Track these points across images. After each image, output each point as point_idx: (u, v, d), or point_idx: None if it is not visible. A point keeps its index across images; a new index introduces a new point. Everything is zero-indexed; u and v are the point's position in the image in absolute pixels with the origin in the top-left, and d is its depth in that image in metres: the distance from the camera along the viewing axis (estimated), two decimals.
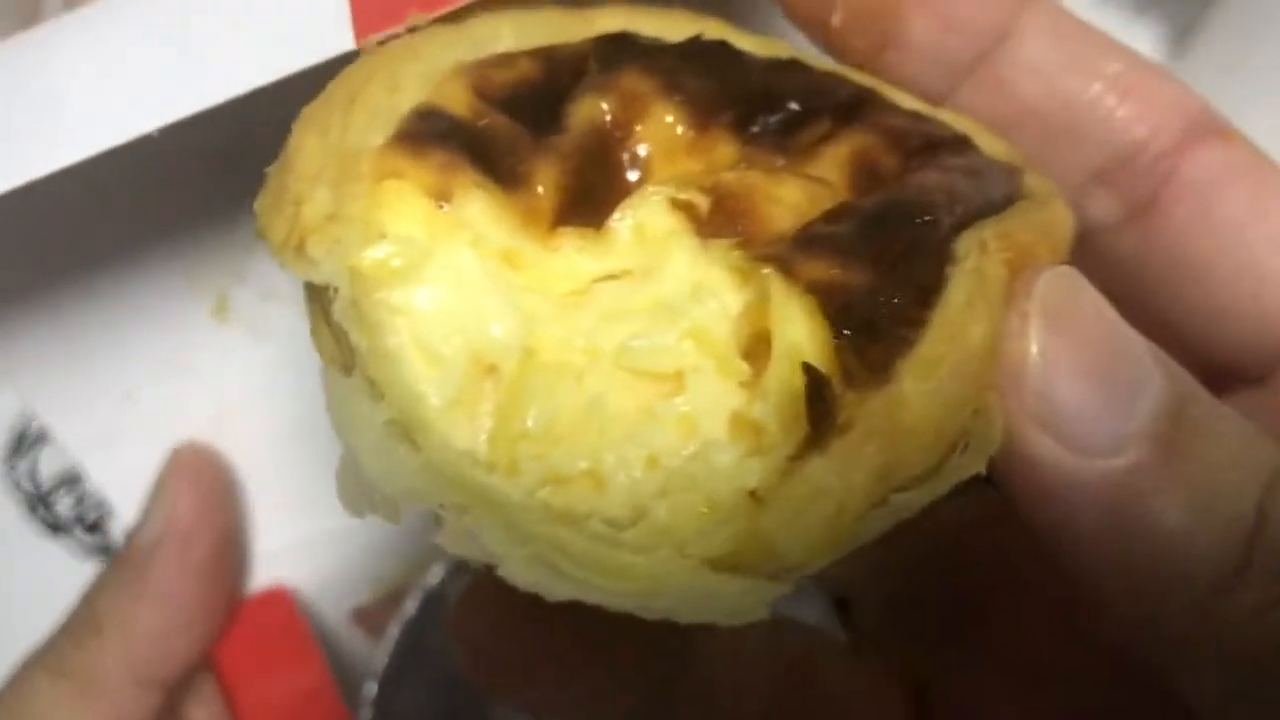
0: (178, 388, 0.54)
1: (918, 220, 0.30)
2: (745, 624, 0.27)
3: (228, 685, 0.53)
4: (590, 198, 0.31)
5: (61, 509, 0.67)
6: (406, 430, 0.27)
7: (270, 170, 0.31)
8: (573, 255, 0.30)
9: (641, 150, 0.32)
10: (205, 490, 0.52)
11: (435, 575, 0.58)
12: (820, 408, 0.27)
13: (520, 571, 0.27)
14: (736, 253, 0.30)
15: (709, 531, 0.27)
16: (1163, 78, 0.37)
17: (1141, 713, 0.37)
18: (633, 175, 0.32)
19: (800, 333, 0.28)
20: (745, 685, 0.40)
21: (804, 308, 0.28)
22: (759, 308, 0.29)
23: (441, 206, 0.29)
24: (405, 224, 0.28)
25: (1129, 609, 0.30)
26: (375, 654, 0.56)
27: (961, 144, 0.34)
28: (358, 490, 0.29)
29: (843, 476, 0.27)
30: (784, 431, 0.27)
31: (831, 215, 0.30)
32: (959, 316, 0.29)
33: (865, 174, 0.32)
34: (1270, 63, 0.58)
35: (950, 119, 0.35)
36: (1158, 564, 0.28)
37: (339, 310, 0.28)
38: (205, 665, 0.54)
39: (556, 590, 0.27)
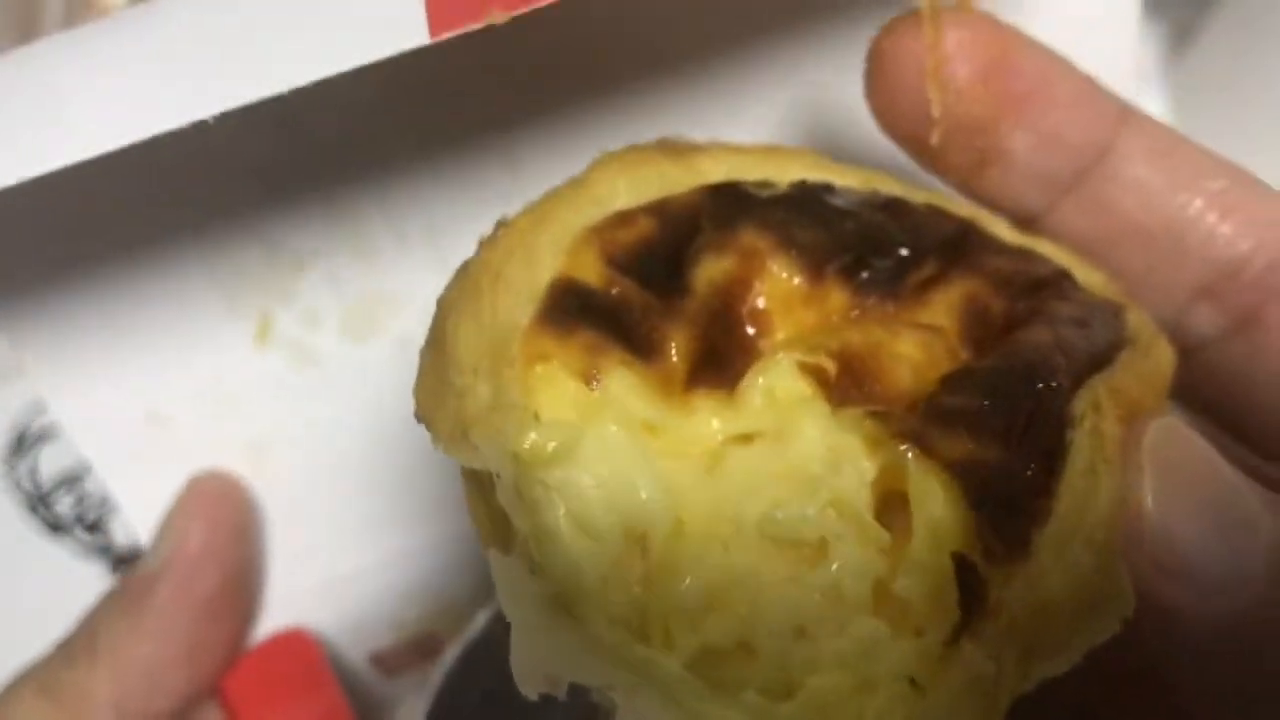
0: (212, 412, 0.52)
1: (1041, 386, 0.31)
2: None
3: None
4: (717, 356, 0.32)
5: (61, 509, 0.66)
6: (566, 605, 0.28)
7: (423, 352, 0.33)
8: (708, 417, 0.31)
9: (760, 304, 0.33)
10: (220, 522, 0.50)
11: (478, 625, 0.55)
12: (970, 592, 0.28)
13: None
14: (869, 422, 0.30)
15: (870, 715, 0.28)
16: (1265, 194, 0.37)
17: None
18: (752, 329, 0.33)
19: (941, 511, 0.29)
20: None
21: (943, 485, 0.29)
22: (892, 472, 0.30)
23: (591, 387, 0.30)
24: (558, 407, 0.30)
25: None
26: (414, 705, 0.54)
27: (1063, 282, 0.34)
28: (531, 668, 0.30)
29: (996, 660, 0.27)
30: (932, 613, 0.28)
31: (955, 381, 0.31)
32: (1083, 482, 0.29)
33: (975, 319, 0.33)
34: (1271, 63, 0.58)
35: (1050, 251, 0.36)
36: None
37: (502, 494, 0.29)
38: (215, 703, 0.51)
39: None
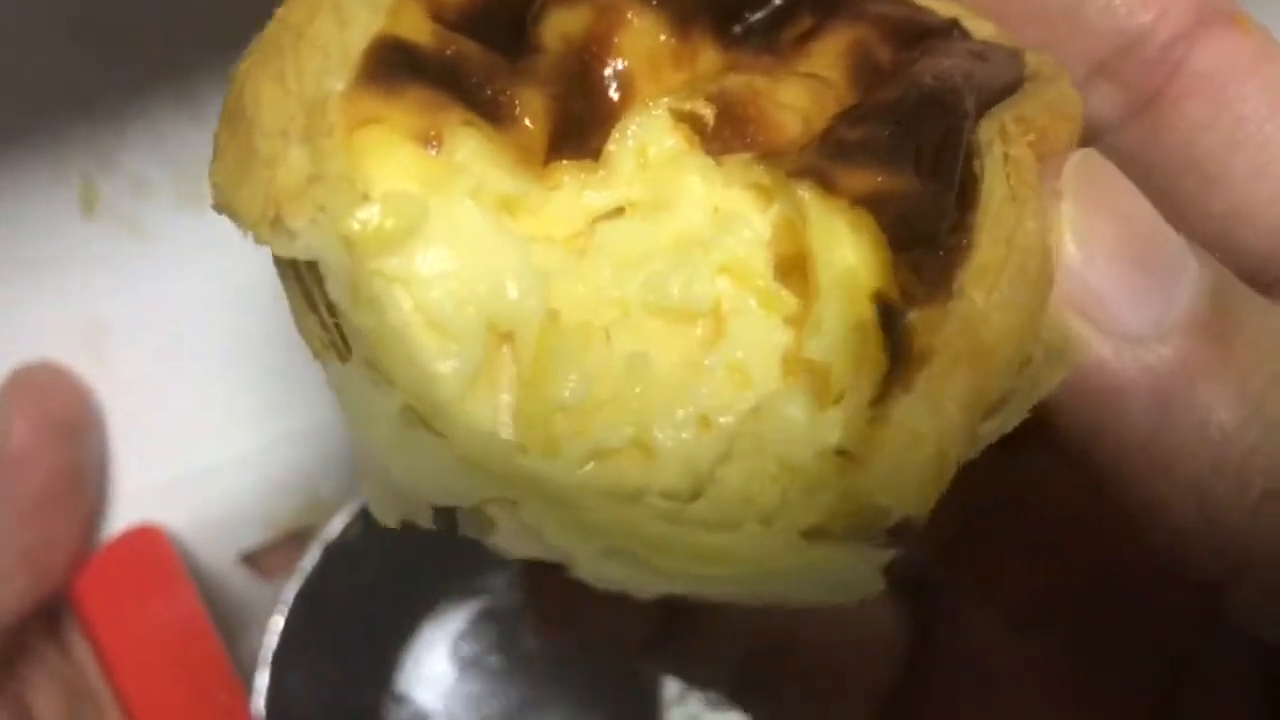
0: (39, 294, 0.48)
1: (947, 108, 0.27)
2: (861, 599, 0.25)
3: (90, 624, 0.48)
4: (577, 125, 0.28)
5: None
6: (424, 418, 0.24)
7: (218, 132, 0.26)
8: (575, 192, 0.27)
9: (622, 65, 0.29)
10: (46, 418, 0.46)
11: (335, 527, 0.53)
12: (896, 339, 0.24)
13: (599, 569, 0.24)
14: (759, 167, 0.27)
15: (798, 500, 0.24)
16: None
17: (1136, 654, 0.36)
18: (616, 95, 0.28)
19: (852, 255, 0.25)
20: (742, 614, 0.38)
21: (852, 225, 0.25)
22: (791, 229, 0.26)
23: (431, 151, 0.25)
24: (393, 178, 0.25)
25: (1176, 513, 0.28)
26: (269, 624, 0.52)
27: (953, 29, 0.31)
28: (387, 493, 0.26)
29: (937, 413, 0.24)
30: (854, 373, 0.25)
31: (852, 116, 0.28)
32: (1006, 212, 0.26)
33: (863, 67, 0.30)
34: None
35: (935, 4, 0.32)
36: (1211, 462, 0.27)
37: (334, 289, 0.24)
38: (64, 604, 0.48)
39: (646, 586, 0.24)
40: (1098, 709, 0.37)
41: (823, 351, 0.25)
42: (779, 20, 0.30)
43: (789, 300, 0.26)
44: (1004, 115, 0.28)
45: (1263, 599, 0.28)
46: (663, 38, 0.29)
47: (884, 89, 0.29)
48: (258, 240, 0.25)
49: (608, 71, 0.28)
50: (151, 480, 0.51)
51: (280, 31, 0.26)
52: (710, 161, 0.27)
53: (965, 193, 0.26)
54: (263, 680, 0.51)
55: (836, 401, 0.25)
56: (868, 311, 0.25)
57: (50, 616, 0.48)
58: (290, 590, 0.52)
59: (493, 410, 0.25)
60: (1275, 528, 0.27)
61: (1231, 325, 0.27)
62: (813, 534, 0.24)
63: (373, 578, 0.54)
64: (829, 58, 0.30)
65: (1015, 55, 0.31)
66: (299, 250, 0.24)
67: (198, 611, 0.49)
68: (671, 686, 0.57)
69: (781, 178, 0.26)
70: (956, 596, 0.40)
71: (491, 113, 0.26)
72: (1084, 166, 0.28)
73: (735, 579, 0.24)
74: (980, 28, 0.32)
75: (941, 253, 0.25)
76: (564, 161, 0.27)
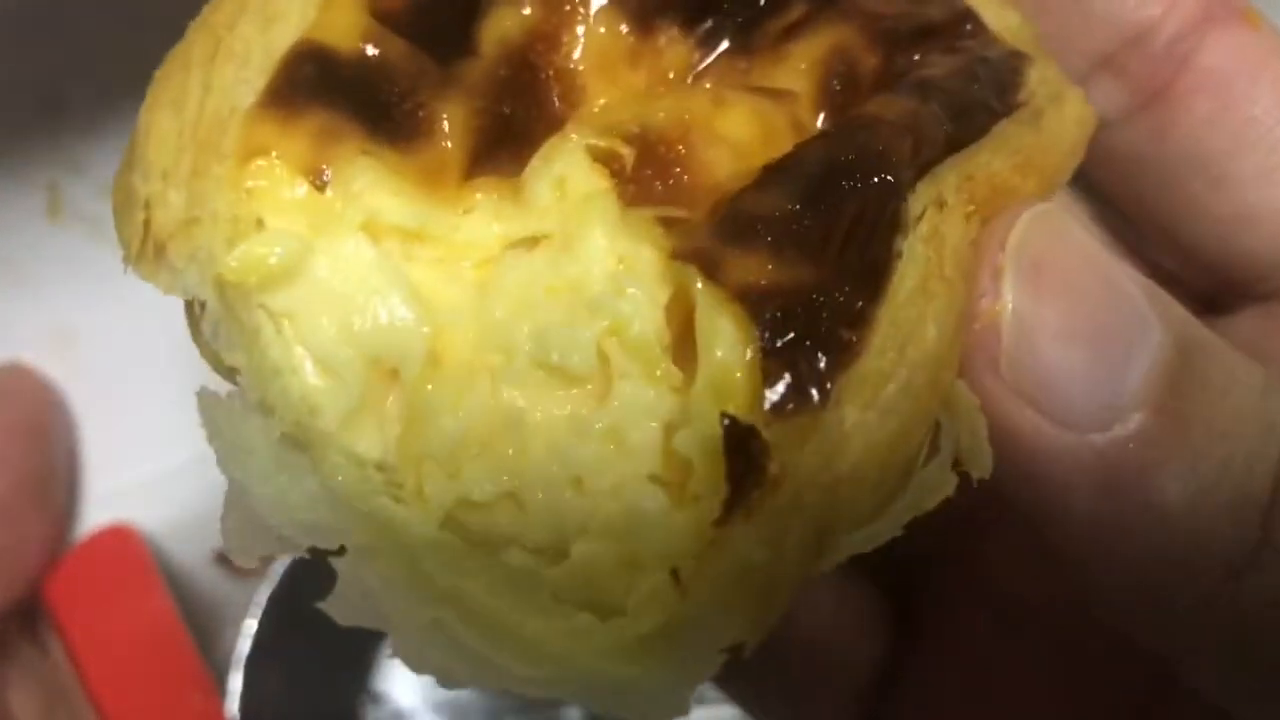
0: (7, 297, 0.48)
1: (872, 181, 0.25)
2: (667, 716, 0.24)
3: (63, 624, 0.48)
4: (512, 133, 0.26)
5: None
6: (303, 447, 0.24)
7: (122, 161, 0.26)
8: (488, 218, 0.26)
9: (572, 64, 0.27)
10: (15, 421, 0.46)
11: None
12: (746, 464, 0.23)
13: (416, 649, 0.24)
14: (658, 231, 0.25)
15: (632, 611, 0.23)
16: None
17: (1127, 649, 0.33)
18: (560, 100, 0.27)
19: (728, 353, 0.23)
20: None
21: (732, 319, 0.24)
22: (689, 294, 0.24)
23: (320, 186, 0.24)
24: (280, 213, 0.24)
25: (1126, 599, 0.27)
26: (242, 627, 0.52)
27: (961, 26, 0.29)
28: (248, 530, 0.25)
29: (773, 546, 0.23)
30: (710, 478, 0.23)
31: (771, 175, 0.25)
32: (908, 311, 0.24)
33: (840, 78, 0.28)
34: None
35: None
36: (1160, 549, 0.25)
37: (207, 326, 0.25)
38: (40, 603, 0.48)
39: (455, 673, 0.24)
40: (1087, 703, 0.36)
41: (688, 446, 0.24)
42: (763, 13, 0.28)
43: (675, 375, 0.25)
44: (950, 175, 0.26)
45: (1221, 684, 0.27)
46: (623, 31, 0.27)
47: (828, 130, 0.27)
48: (140, 276, 0.25)
49: (552, 72, 0.27)
50: (123, 480, 0.51)
51: (198, 36, 0.26)
52: (617, 212, 0.25)
53: (876, 276, 0.24)
54: (236, 682, 0.50)
55: (694, 503, 0.24)
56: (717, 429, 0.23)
57: (27, 616, 0.48)
58: (263, 592, 0.52)
59: (377, 441, 0.24)
60: (1226, 616, 0.26)
61: (1191, 398, 0.25)
62: (643, 641, 0.23)
63: None
64: (805, 65, 0.28)
65: (1016, 70, 0.29)
66: (179, 289, 0.25)
67: (170, 611, 0.49)
68: None
69: (673, 257, 0.25)
70: (945, 590, 0.39)
71: (405, 130, 0.25)
72: (1031, 233, 0.26)
73: (545, 680, 0.24)
74: (1003, 18, 0.29)
75: (824, 356, 0.23)
76: (481, 181, 0.26)
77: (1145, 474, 0.25)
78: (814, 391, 0.23)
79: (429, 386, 0.24)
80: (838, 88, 0.28)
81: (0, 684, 0.46)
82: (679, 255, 0.24)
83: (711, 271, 0.24)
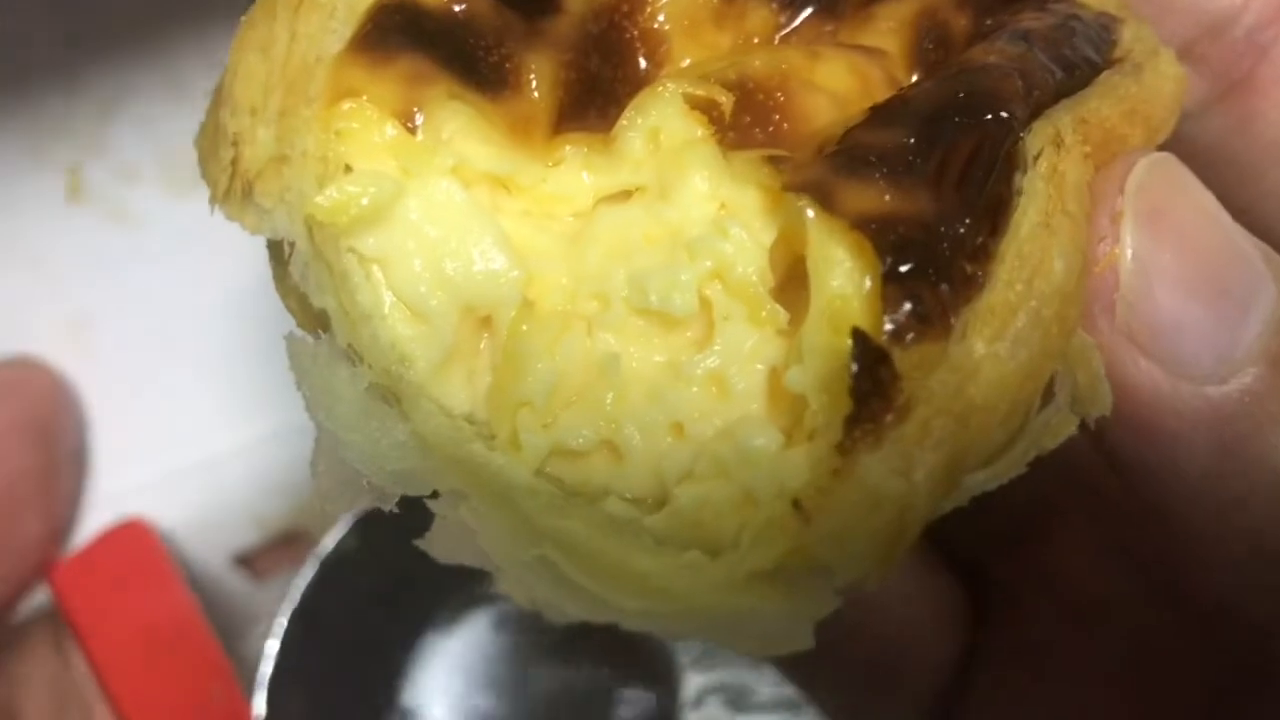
0: (23, 282, 0.47)
1: (986, 117, 0.24)
2: (785, 654, 0.23)
3: (75, 619, 0.46)
4: (598, 91, 0.26)
5: None
6: (392, 396, 0.24)
7: (210, 102, 0.26)
8: (577, 170, 0.25)
9: (657, 24, 0.27)
10: (20, 417, 0.45)
11: (329, 541, 0.51)
12: (873, 387, 0.22)
13: (522, 584, 0.24)
14: (766, 170, 0.24)
15: (750, 540, 0.23)
16: None
17: (1196, 650, 0.33)
18: (645, 59, 0.27)
19: (845, 282, 0.23)
20: None
21: (849, 249, 0.23)
22: (797, 233, 0.24)
23: (411, 128, 0.24)
24: (371, 155, 0.24)
25: (1237, 565, 0.26)
26: (268, 643, 0.50)
27: None
28: (338, 477, 0.25)
29: (904, 476, 0.22)
30: (829, 410, 0.23)
31: (880, 114, 0.25)
32: (1033, 245, 0.24)
33: (931, 39, 0.27)
34: None
35: None
36: (1272, 509, 0.25)
37: (296, 268, 0.24)
38: (50, 601, 0.47)
39: (564, 608, 0.23)
40: (1154, 703, 0.35)
41: (801, 383, 0.23)
42: None
43: (781, 315, 0.24)
44: (1065, 117, 0.25)
45: None
46: None
47: (931, 77, 0.26)
48: (227, 216, 0.24)
49: (637, 33, 0.26)
50: (138, 476, 0.50)
51: None
52: (718, 156, 0.25)
53: (996, 212, 0.24)
54: (260, 704, 0.49)
55: (810, 439, 0.23)
56: (846, 345, 0.22)
57: (40, 614, 0.47)
58: (284, 611, 0.50)
59: (466, 393, 0.24)
60: None
61: None
62: (757, 577, 0.23)
63: (370, 591, 0.52)
64: (894, 25, 0.27)
65: (1108, 28, 0.28)
66: (267, 229, 0.24)
67: (188, 606, 0.47)
68: (689, 690, 0.56)
69: (784, 190, 0.24)
70: (1016, 585, 0.38)
71: (492, 82, 0.25)
72: (1150, 180, 0.25)
73: (658, 615, 0.23)
74: None
75: (947, 286, 0.23)
76: (571, 134, 0.25)
77: (1261, 430, 0.24)
78: (938, 320, 0.22)
79: (524, 330, 0.24)
80: (930, 47, 0.27)
81: (10, 683, 0.45)
82: (791, 188, 0.23)
83: (826, 202, 0.23)
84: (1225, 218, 0.25)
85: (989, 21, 0.27)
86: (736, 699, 0.55)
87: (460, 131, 0.24)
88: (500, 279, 0.24)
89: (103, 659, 0.45)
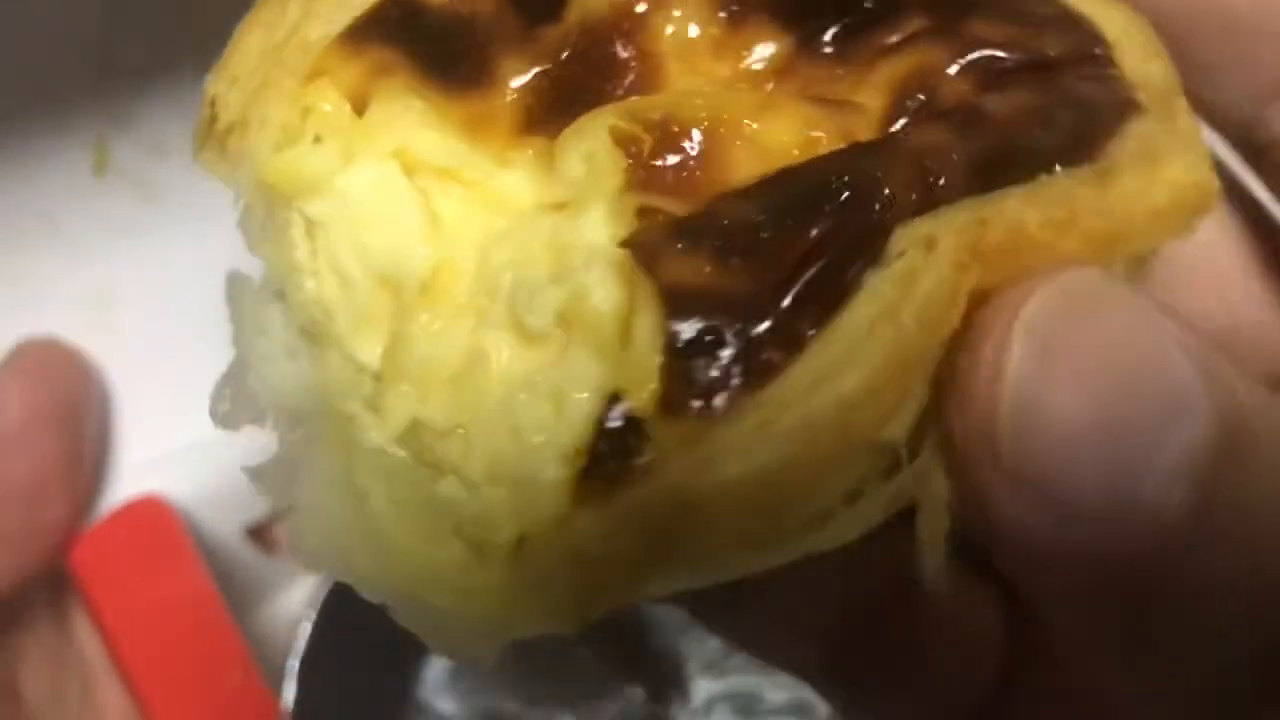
0: (47, 255, 0.46)
1: (847, 204, 0.23)
2: (468, 660, 0.25)
3: (92, 596, 0.46)
4: (582, 101, 0.27)
5: None
6: (314, 340, 0.26)
7: None
8: (524, 174, 0.27)
9: (655, 46, 0.27)
10: (41, 400, 0.44)
11: None
12: (616, 447, 0.23)
13: (301, 527, 0.26)
14: (631, 218, 0.25)
15: (485, 561, 0.24)
16: None
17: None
18: (636, 78, 0.28)
19: (644, 342, 0.23)
20: (841, 593, 0.35)
21: (653, 312, 0.23)
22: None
23: (360, 110, 0.27)
24: (328, 132, 0.27)
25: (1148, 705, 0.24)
26: (300, 625, 0.51)
27: (1079, 66, 0.26)
28: (238, 400, 0.27)
29: (607, 541, 0.23)
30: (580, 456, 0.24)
31: (762, 183, 0.25)
32: (850, 343, 0.22)
33: (916, 100, 0.26)
34: None
35: (1115, 17, 0.27)
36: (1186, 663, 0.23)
37: (238, 217, 0.27)
38: (63, 577, 0.47)
39: (318, 558, 0.25)
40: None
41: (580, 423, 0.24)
42: (868, 24, 0.27)
43: (617, 351, 0.24)
44: (961, 215, 0.23)
45: None
46: (718, 17, 0.27)
47: (828, 154, 0.25)
48: (203, 167, 0.27)
49: (632, 52, 0.27)
50: (156, 450, 0.49)
51: None
52: (616, 193, 0.25)
53: (824, 306, 0.23)
54: (290, 692, 0.49)
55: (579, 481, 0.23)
56: (594, 406, 0.23)
57: (49, 590, 0.47)
58: (318, 595, 0.50)
59: (375, 357, 0.26)
60: None
61: (1239, 473, 0.21)
62: (480, 591, 0.24)
63: None
64: (884, 79, 0.26)
65: (1113, 123, 0.26)
66: (228, 182, 0.27)
67: (204, 583, 0.47)
68: (698, 697, 0.56)
69: (627, 243, 0.24)
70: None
71: (463, 80, 0.27)
72: (1050, 306, 0.22)
73: (386, 588, 0.25)
74: (1143, 68, 0.27)
75: (737, 369, 0.22)
76: (531, 140, 0.27)
77: (1171, 585, 0.22)
78: (712, 401, 0.22)
79: (421, 312, 0.25)
80: (915, 109, 0.26)
81: (13, 660, 0.45)
82: (630, 243, 0.24)
83: (650, 264, 0.23)
84: (1151, 336, 0.22)
85: (989, 96, 0.26)
86: (746, 706, 0.55)
87: (401, 116, 0.26)
88: (409, 259, 0.26)
89: (117, 633, 0.46)
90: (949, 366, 0.23)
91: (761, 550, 0.24)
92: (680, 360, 0.22)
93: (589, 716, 0.56)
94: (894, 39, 0.27)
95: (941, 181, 0.24)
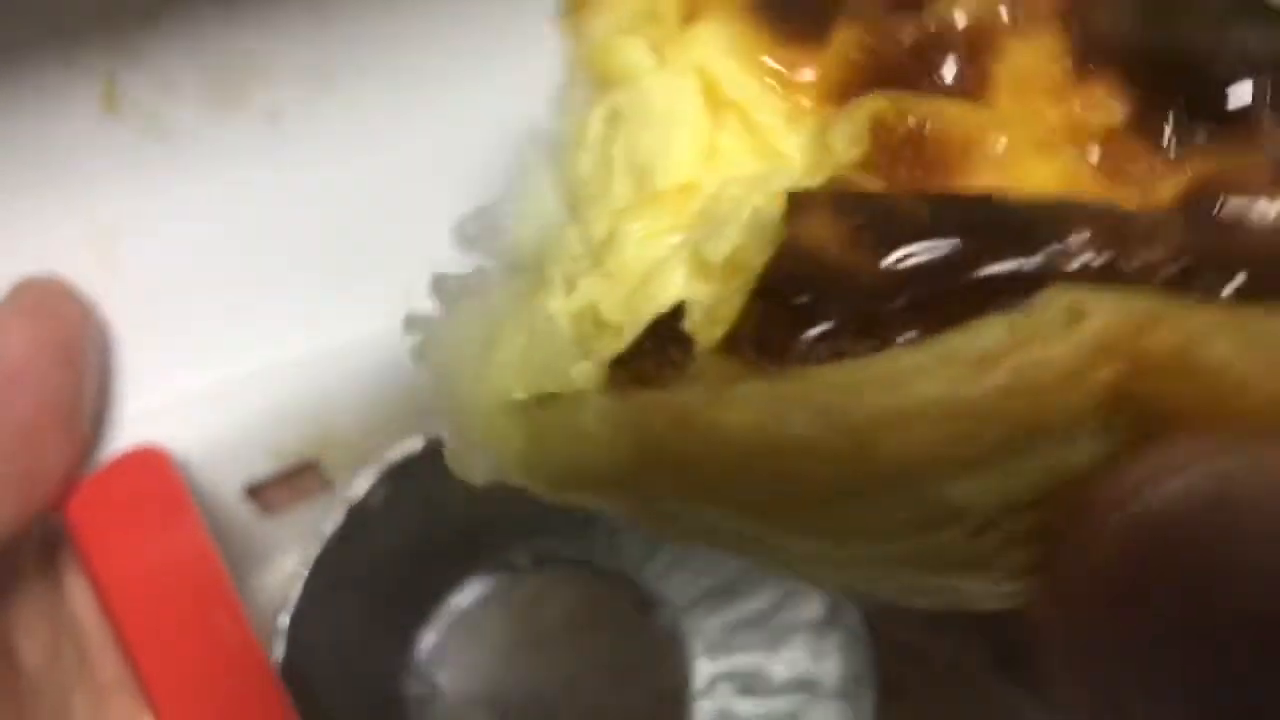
0: (51, 193, 0.45)
1: (1028, 255, 0.21)
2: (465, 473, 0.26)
3: (86, 549, 0.45)
4: (898, 84, 0.26)
5: None
6: (569, 213, 0.28)
7: None
8: (801, 129, 0.27)
9: (992, 64, 0.26)
10: (46, 339, 0.43)
11: (359, 487, 0.49)
12: (660, 344, 0.23)
13: (451, 338, 0.27)
14: (827, 183, 0.25)
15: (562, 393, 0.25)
16: None
17: None
18: (955, 84, 0.26)
19: (747, 253, 0.24)
20: None
21: (772, 245, 0.23)
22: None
23: (685, 25, 0.28)
24: (655, 30, 0.28)
25: None
26: (290, 581, 0.49)
27: None
28: (485, 231, 0.29)
29: (604, 428, 0.23)
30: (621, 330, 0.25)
31: (952, 195, 0.24)
32: (885, 368, 0.21)
33: (1206, 207, 0.23)
34: None
35: None
36: None
37: (562, 80, 0.29)
38: (57, 533, 0.45)
39: (437, 365, 0.26)
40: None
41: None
42: (1222, 127, 0.24)
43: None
44: (1127, 303, 0.20)
45: None
46: (1063, 61, 0.25)
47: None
48: (562, 31, 0.29)
49: (965, 58, 0.26)
50: (156, 399, 0.48)
51: None
52: (842, 168, 0.25)
53: (936, 323, 0.21)
54: (279, 649, 0.48)
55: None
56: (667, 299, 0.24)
57: (43, 545, 0.45)
58: (311, 553, 0.49)
59: (597, 241, 0.27)
60: None
61: None
62: (514, 414, 0.25)
63: (393, 545, 0.51)
64: (1197, 174, 0.23)
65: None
66: (569, 56, 0.29)
67: (202, 539, 0.46)
68: (700, 677, 0.54)
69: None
70: None
71: (798, 29, 0.27)
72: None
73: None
74: None
75: (808, 338, 0.21)
76: (831, 110, 0.26)
77: None
78: (763, 354, 0.22)
79: (643, 217, 0.26)
80: (1199, 212, 0.23)
81: (9, 623, 0.44)
82: (795, 193, 0.24)
83: (795, 213, 0.23)
84: None
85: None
86: (749, 684, 0.54)
87: (717, 45, 0.27)
88: (668, 173, 0.26)
89: (111, 587, 0.44)
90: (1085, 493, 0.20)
91: (762, 523, 0.23)
92: (762, 303, 0.22)
93: (587, 695, 0.55)
94: (1245, 129, 0.24)
95: (1134, 263, 0.21)
